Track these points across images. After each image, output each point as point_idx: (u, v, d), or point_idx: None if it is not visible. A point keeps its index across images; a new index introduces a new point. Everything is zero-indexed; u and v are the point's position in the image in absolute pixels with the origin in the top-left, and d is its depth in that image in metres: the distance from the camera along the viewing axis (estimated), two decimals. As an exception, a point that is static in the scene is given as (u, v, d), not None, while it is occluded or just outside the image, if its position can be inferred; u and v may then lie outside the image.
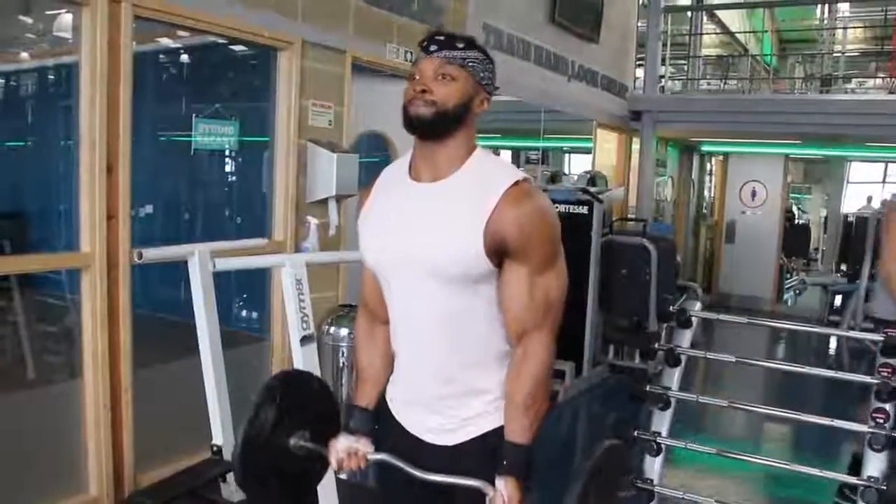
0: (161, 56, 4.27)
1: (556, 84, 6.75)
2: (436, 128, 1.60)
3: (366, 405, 1.82)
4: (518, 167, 7.17)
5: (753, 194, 9.92)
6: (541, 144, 8.18)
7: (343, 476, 1.80)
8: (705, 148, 10.43)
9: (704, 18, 10.35)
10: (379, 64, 4.62)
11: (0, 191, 4.39)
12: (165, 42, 4.17)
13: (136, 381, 3.33)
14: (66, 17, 3.58)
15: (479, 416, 1.69)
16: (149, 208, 5.26)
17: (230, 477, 3.20)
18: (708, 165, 11.05)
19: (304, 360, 2.79)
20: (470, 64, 1.61)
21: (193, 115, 3.73)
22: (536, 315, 1.62)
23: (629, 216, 7.90)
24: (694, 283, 7.68)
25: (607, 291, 6.02)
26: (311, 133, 4.19)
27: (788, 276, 11.04)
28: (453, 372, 1.68)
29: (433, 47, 1.61)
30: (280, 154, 4.07)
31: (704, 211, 10.90)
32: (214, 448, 3.21)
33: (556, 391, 5.36)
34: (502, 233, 1.55)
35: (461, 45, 1.62)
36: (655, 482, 2.98)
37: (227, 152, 4.03)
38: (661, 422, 3.04)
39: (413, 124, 1.60)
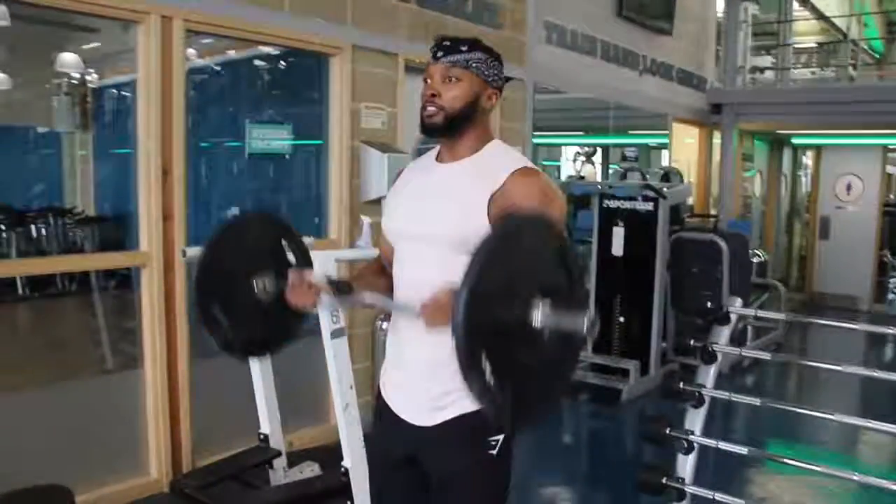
0: (217, 66, 4.50)
1: (627, 79, 6.66)
2: (448, 130, 1.76)
3: (344, 277, 1.93)
4: (608, 165, 7.16)
5: (849, 188, 9.43)
6: (609, 141, 8.07)
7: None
8: (796, 140, 9.99)
9: (795, 4, 9.92)
10: (434, 66, 4.71)
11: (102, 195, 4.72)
12: (221, 51, 4.38)
13: (193, 372, 3.55)
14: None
15: (463, 396, 1.73)
16: (235, 210, 5.55)
17: (276, 462, 3.36)
18: (802, 158, 10.58)
19: (336, 353, 2.90)
20: (474, 65, 1.74)
21: (246, 120, 3.92)
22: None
23: (709, 213, 7.70)
24: (776, 281, 7.39)
25: (677, 289, 5.91)
26: (364, 135, 4.32)
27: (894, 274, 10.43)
28: (444, 342, 1.73)
29: (439, 53, 1.76)
30: (334, 156, 4.22)
31: (798, 206, 10.44)
32: (262, 436, 3.38)
33: (620, 390, 5.31)
34: (509, 199, 1.66)
35: (464, 48, 1.76)
36: (687, 481, 2.94)
37: (281, 156, 4.20)
38: (695, 420, 3.00)
39: (428, 132, 1.77)
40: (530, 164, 1.75)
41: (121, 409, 3.48)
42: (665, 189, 5.52)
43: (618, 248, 5.62)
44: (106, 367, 4.28)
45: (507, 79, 1.88)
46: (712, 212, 7.94)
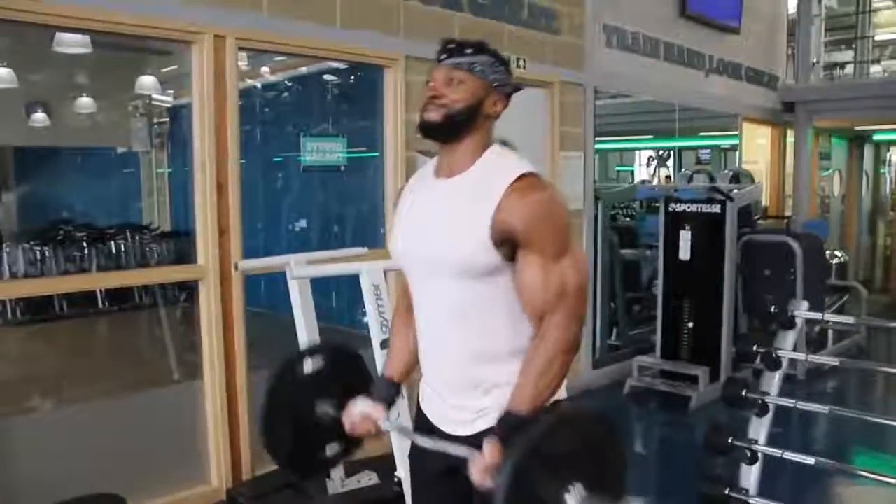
0: (273, 83, 4.60)
1: (692, 80, 6.49)
2: (446, 129, 1.68)
3: (389, 375, 1.90)
4: (680, 168, 7.02)
5: (937, 185, 8.97)
6: (675, 144, 7.88)
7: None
8: (878, 136, 9.54)
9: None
10: (489, 73, 4.68)
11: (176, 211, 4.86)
12: (277, 70, 4.47)
13: (251, 382, 3.61)
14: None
15: (492, 409, 1.69)
16: (303, 222, 5.66)
17: (333, 472, 3.38)
18: (885, 155, 10.10)
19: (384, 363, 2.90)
20: (478, 68, 1.69)
21: (301, 133, 3.98)
22: (550, 300, 1.61)
23: (783, 214, 7.43)
24: (858, 283, 7.05)
25: (748, 293, 5.71)
26: (421, 145, 4.33)
27: None
28: (467, 364, 1.71)
29: (443, 56, 1.71)
30: (389, 167, 4.24)
31: (881, 205, 9.97)
32: (318, 446, 3.41)
33: (689, 397, 5.15)
34: (509, 223, 1.59)
35: (469, 51, 1.70)
36: (751, 492, 2.82)
37: (336, 168, 4.24)
38: (759, 429, 2.88)
39: (424, 128, 1.69)
40: (527, 170, 1.65)
41: (185, 419, 3.56)
42: (732, 191, 5.34)
43: (685, 253, 5.47)
44: (173, 378, 4.41)
45: (517, 88, 1.80)
46: (788, 213, 7.65)
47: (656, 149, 12.13)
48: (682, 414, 5.06)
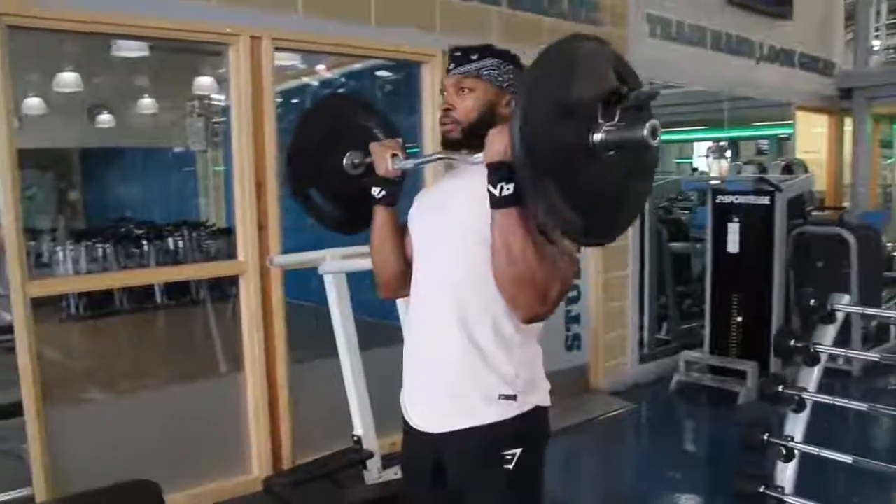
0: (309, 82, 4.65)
1: (741, 69, 6.34)
2: (466, 142, 1.74)
3: None
4: (736, 158, 6.86)
5: None
6: (725, 134, 7.71)
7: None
8: (944, 123, 9.18)
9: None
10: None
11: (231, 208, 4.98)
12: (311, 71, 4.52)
13: (291, 375, 3.69)
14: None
15: (479, 406, 1.69)
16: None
17: (370, 463, 3.43)
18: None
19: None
20: (485, 73, 1.73)
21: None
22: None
23: (839, 205, 7.20)
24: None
25: (800, 286, 5.56)
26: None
27: None
28: (458, 348, 1.69)
29: (451, 66, 1.77)
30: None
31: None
32: (355, 438, 3.47)
33: (736, 392, 5.06)
34: None
35: (475, 57, 1.75)
36: (787, 490, 2.77)
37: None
38: (795, 425, 2.82)
39: (447, 145, 1.78)
40: None
41: (229, 410, 3.66)
42: (782, 182, 5.21)
43: (733, 245, 5.37)
44: (220, 370, 4.54)
45: None
46: (846, 204, 7.42)
47: (714, 139, 11.91)
48: (729, 410, 4.97)
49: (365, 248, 1.98)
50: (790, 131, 7.32)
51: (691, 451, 4.72)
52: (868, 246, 5.46)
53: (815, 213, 6.65)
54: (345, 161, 2.01)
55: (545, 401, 1.78)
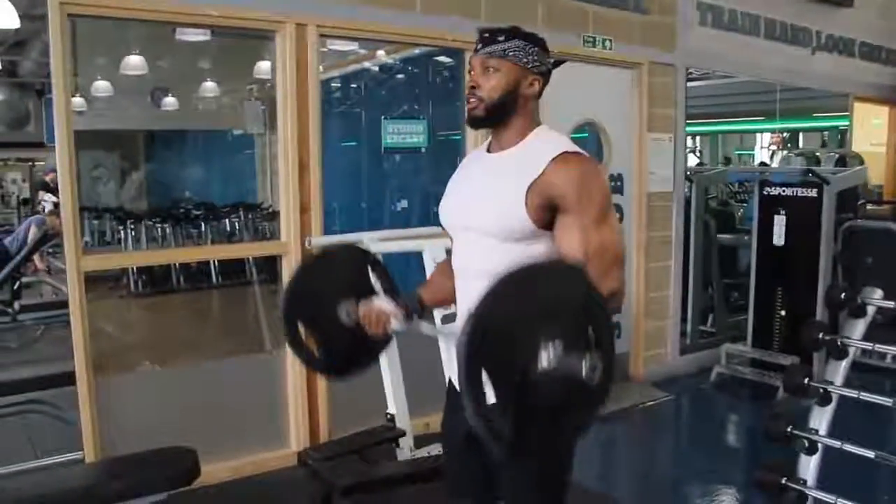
0: (359, 70, 4.76)
1: (796, 58, 6.21)
2: (491, 119, 1.81)
3: (418, 292, 2.03)
4: (790, 152, 6.68)
5: None
6: (776, 126, 7.56)
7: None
8: None
9: None
10: (573, 55, 4.68)
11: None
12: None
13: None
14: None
15: None
16: (405, 202, 5.86)
17: (402, 441, 3.54)
18: None
19: (447, 338, 3.01)
20: (511, 53, 1.79)
21: (382, 116, 4.13)
22: (593, 264, 1.63)
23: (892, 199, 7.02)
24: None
25: (849, 281, 5.46)
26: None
27: None
28: None
29: (479, 45, 1.83)
30: (469, 148, 4.33)
31: None
32: (388, 416, 3.58)
33: (776, 386, 5.01)
34: (550, 190, 1.70)
35: (501, 38, 1.80)
36: (809, 483, 2.77)
37: (417, 149, 4.36)
38: (820, 418, 2.82)
39: (472, 122, 1.84)
40: (573, 149, 1.75)
41: (271, 385, 3.81)
42: (830, 174, 5.12)
43: (779, 238, 5.30)
44: (265, 347, 4.71)
45: (557, 62, 1.91)
46: (905, 198, 7.23)
47: (771, 131, 11.67)
48: (768, 404, 4.93)
49: (400, 231, 2.07)
50: (847, 123, 7.14)
51: (725, 442, 4.70)
52: (921, 242, 5.32)
53: (870, 207, 6.52)
54: (340, 311, 1.97)
55: None
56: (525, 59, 1.79)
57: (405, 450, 3.58)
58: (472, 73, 1.81)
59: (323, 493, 3.13)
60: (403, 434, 3.53)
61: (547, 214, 1.71)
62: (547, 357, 1.35)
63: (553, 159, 1.71)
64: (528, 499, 1.83)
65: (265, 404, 3.79)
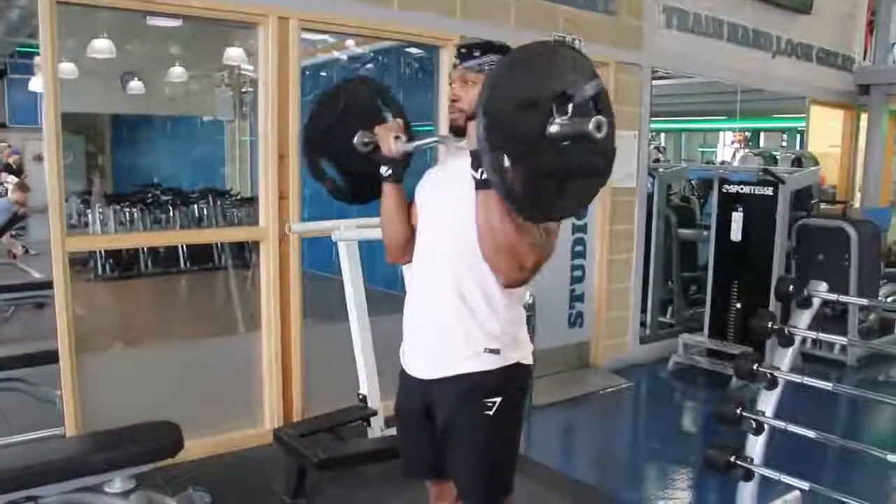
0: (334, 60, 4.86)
1: (757, 62, 6.45)
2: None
3: None
4: (750, 151, 6.87)
5: None
6: (738, 125, 7.83)
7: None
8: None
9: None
10: (543, 53, 4.84)
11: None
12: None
13: (305, 336, 3.94)
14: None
15: (467, 357, 1.94)
16: None
17: (374, 421, 3.68)
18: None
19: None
20: (487, 67, 1.94)
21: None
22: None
23: (844, 199, 7.31)
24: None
25: (801, 277, 5.73)
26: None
27: None
28: (451, 304, 1.94)
29: (457, 61, 2.01)
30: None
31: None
32: (360, 396, 3.72)
33: (730, 375, 5.25)
34: None
35: (477, 53, 1.98)
36: (756, 461, 2.97)
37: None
38: (767, 401, 3.02)
39: (455, 133, 2.01)
40: None
41: (245, 366, 3.92)
42: (786, 174, 5.36)
43: (736, 233, 5.54)
44: (238, 330, 4.82)
45: None
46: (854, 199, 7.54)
47: (736, 130, 12.01)
48: (721, 392, 5.16)
49: (376, 220, 2.21)
50: (802, 125, 7.43)
51: (679, 426, 4.94)
52: (869, 241, 5.60)
53: (823, 206, 6.81)
54: (355, 139, 2.24)
55: (527, 359, 2.04)
56: None
57: (376, 429, 3.72)
58: (453, 86, 1.98)
59: (297, 467, 3.27)
60: (375, 414, 3.67)
61: None
62: (559, 120, 1.63)
63: None
64: (476, 475, 2.00)
65: (241, 384, 3.90)
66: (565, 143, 1.66)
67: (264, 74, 3.69)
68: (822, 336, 3.00)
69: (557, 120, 1.65)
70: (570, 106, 1.65)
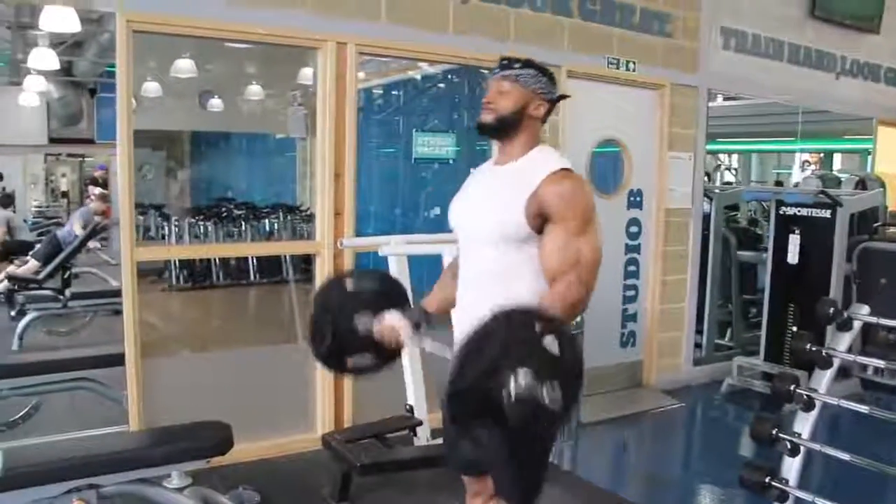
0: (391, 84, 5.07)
1: (821, 82, 6.38)
2: (497, 128, 2.13)
3: (423, 304, 2.31)
4: (813, 174, 6.79)
5: None
6: (798, 147, 7.70)
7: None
8: None
9: None
10: (598, 76, 4.94)
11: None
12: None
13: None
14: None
15: None
16: (437, 210, 6.16)
17: (420, 430, 3.82)
18: None
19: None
20: (521, 78, 2.11)
21: (413, 129, 4.43)
22: (565, 265, 1.98)
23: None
24: None
25: (863, 301, 5.61)
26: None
27: None
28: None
29: (496, 70, 2.17)
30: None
31: None
32: (408, 407, 3.87)
33: (784, 400, 5.20)
34: (542, 201, 2.00)
35: (517, 66, 2.14)
36: (791, 483, 2.99)
37: (446, 160, 4.64)
38: (804, 423, 3.04)
39: (480, 128, 2.15)
40: (566, 166, 2.05)
41: (301, 374, 4.11)
42: (845, 196, 5.29)
43: (793, 256, 5.49)
44: (298, 339, 5.02)
45: (562, 96, 2.20)
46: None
47: (810, 151, 11.74)
48: (774, 414, 5.11)
49: (424, 236, 2.36)
50: (870, 146, 7.27)
51: (728, 448, 4.90)
52: (933, 266, 5.46)
53: (893, 229, 6.64)
54: (356, 320, 2.23)
55: None
56: (535, 86, 2.11)
57: (422, 438, 3.86)
58: (489, 92, 2.13)
59: (343, 471, 3.43)
60: (420, 423, 3.81)
61: (539, 221, 2.02)
62: (514, 388, 1.59)
63: (547, 176, 2.01)
64: (510, 474, 2.10)
65: (295, 391, 4.10)
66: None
67: (322, 96, 3.90)
68: (861, 359, 3.00)
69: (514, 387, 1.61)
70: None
